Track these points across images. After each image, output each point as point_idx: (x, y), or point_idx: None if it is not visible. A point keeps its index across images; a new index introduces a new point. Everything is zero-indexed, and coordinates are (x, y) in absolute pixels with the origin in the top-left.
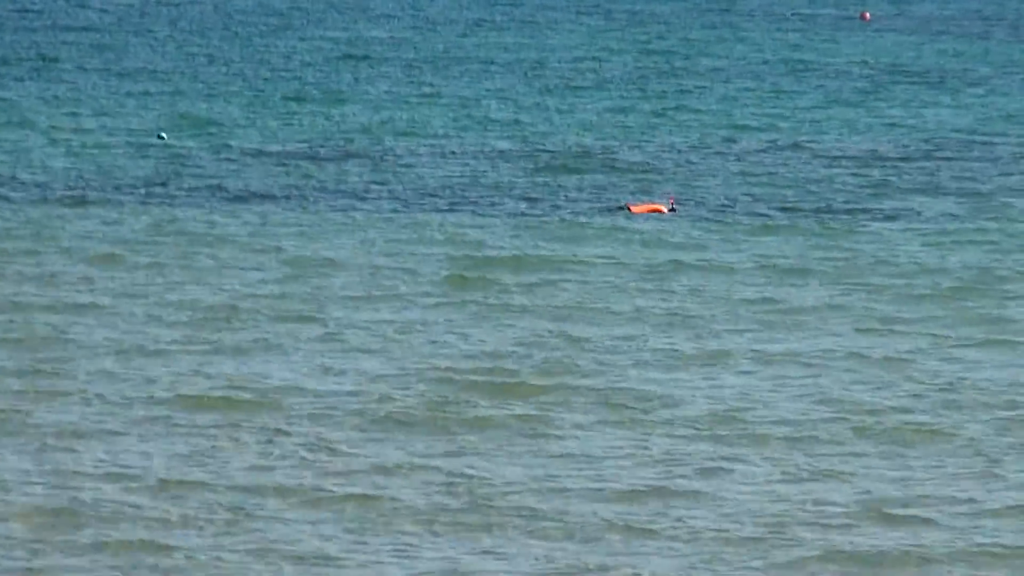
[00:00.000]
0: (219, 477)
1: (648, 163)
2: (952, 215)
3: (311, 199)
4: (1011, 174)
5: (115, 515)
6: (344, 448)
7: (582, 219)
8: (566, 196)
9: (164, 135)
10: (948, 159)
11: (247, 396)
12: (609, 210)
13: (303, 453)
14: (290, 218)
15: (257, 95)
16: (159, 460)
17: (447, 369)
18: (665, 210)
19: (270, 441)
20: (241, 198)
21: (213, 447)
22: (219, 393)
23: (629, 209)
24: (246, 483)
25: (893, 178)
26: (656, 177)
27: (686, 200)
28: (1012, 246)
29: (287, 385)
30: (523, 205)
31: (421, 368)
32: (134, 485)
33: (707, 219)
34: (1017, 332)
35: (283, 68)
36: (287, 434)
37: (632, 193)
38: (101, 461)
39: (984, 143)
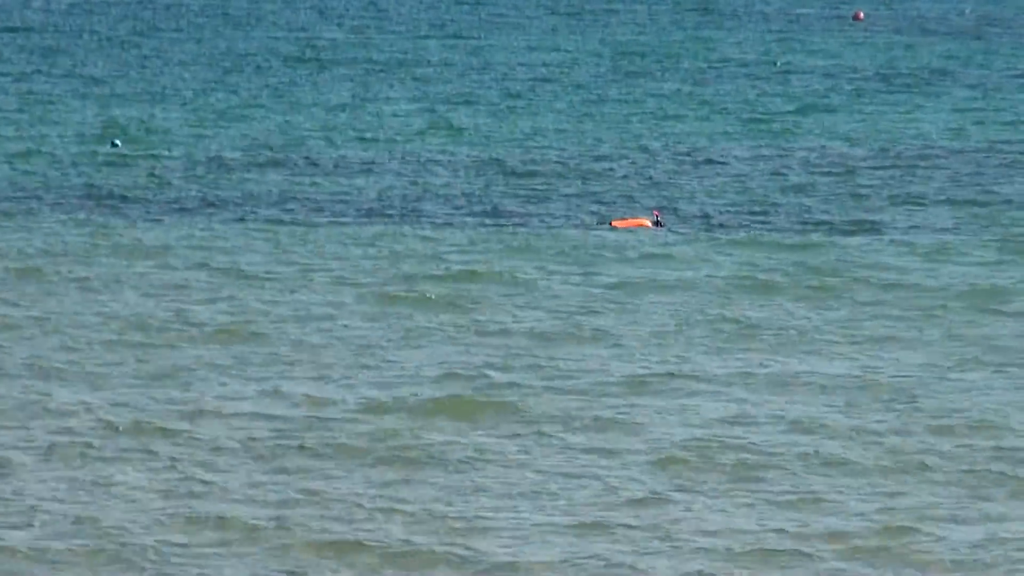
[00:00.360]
0: (125, 510)
1: (623, 171)
2: (942, 227)
3: (254, 209)
4: (1002, 182)
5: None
6: (269, 478)
7: (554, 232)
8: (536, 208)
9: (118, 142)
10: (938, 167)
11: (159, 421)
12: (589, 226)
13: (211, 480)
14: (230, 230)
15: (204, 99)
16: (67, 491)
17: (388, 394)
18: (649, 224)
19: (173, 467)
20: (179, 209)
21: (121, 477)
22: (132, 418)
23: (612, 225)
24: (140, 513)
25: (881, 187)
26: (632, 186)
27: (667, 212)
28: (1004, 259)
29: (209, 409)
30: (486, 218)
31: (361, 394)
32: (35, 522)
33: (686, 232)
34: (1007, 354)
35: (234, 70)
36: (199, 464)
37: (606, 203)
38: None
39: (976, 149)
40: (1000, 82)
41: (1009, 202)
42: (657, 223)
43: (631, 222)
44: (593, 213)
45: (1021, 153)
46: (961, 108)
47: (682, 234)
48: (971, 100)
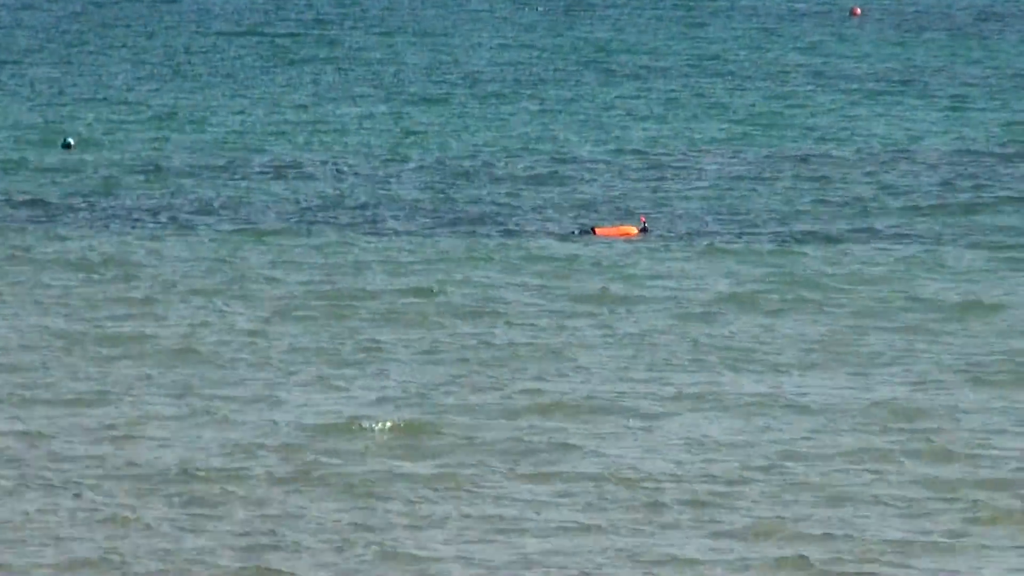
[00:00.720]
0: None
1: (601, 176)
2: (929, 236)
3: (200, 216)
4: (994, 187)
5: None
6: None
7: (526, 242)
8: (506, 215)
9: (71, 141)
10: (928, 171)
11: (79, 445)
12: (564, 235)
13: (132, 511)
14: (172, 238)
15: (154, 99)
16: None
17: (331, 417)
18: (636, 232)
19: (93, 495)
20: (116, 216)
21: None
22: (49, 442)
23: (594, 232)
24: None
25: (867, 192)
26: (611, 192)
27: (650, 218)
28: (993, 271)
29: (136, 433)
30: (450, 227)
31: (305, 415)
32: None
33: (669, 242)
34: (992, 369)
35: (185, 69)
36: (121, 492)
37: (584, 209)
38: None
39: (967, 151)
40: (996, 82)
41: (999, 209)
42: (643, 230)
43: (616, 230)
44: (575, 220)
45: (1013, 156)
46: (954, 108)
47: (664, 243)
48: (965, 100)
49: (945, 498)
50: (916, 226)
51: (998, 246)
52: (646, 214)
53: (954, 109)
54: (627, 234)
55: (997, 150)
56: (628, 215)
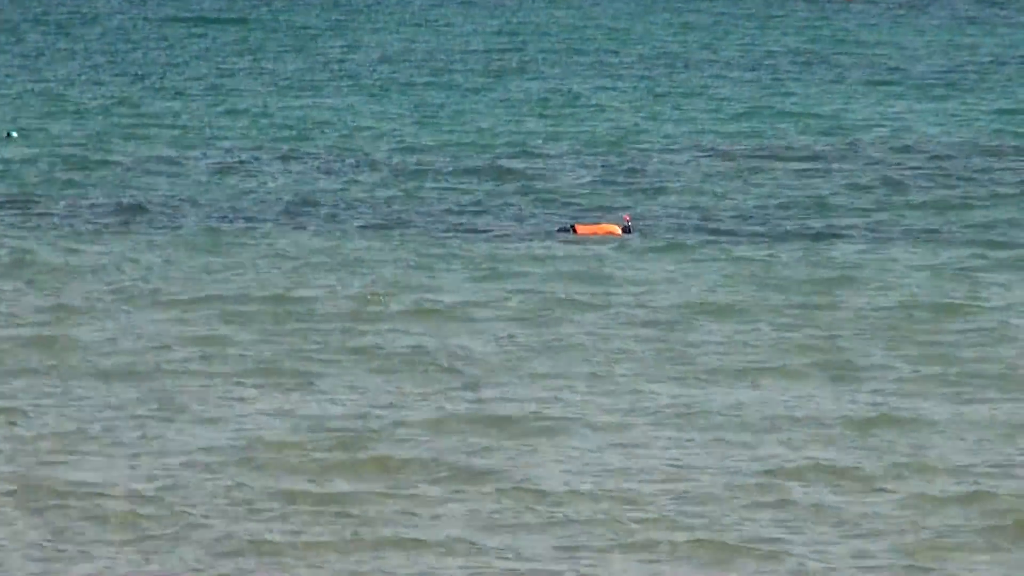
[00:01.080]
0: None
1: (578, 172)
2: (915, 237)
3: (141, 215)
4: (986, 184)
5: None
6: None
7: (493, 242)
8: (471, 214)
9: (14, 133)
10: (915, 167)
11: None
12: (534, 235)
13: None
14: (112, 239)
15: (92, 89)
16: None
17: (260, 435)
18: (619, 231)
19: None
20: (38, 214)
21: None
22: None
23: (575, 231)
24: None
25: (852, 188)
26: (588, 188)
27: (624, 215)
28: (982, 274)
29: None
30: (408, 227)
31: (234, 435)
32: None
33: (644, 243)
34: (982, 381)
35: (127, 56)
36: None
37: (543, 200)
38: None
39: (958, 145)
40: (994, 72)
41: (989, 207)
42: (627, 229)
43: (598, 228)
44: (548, 219)
45: (1008, 148)
46: (946, 98)
47: (642, 244)
48: (958, 91)
49: (925, 512)
50: (899, 226)
51: (990, 245)
52: (630, 213)
53: (946, 99)
54: (610, 233)
55: (991, 143)
56: (608, 212)
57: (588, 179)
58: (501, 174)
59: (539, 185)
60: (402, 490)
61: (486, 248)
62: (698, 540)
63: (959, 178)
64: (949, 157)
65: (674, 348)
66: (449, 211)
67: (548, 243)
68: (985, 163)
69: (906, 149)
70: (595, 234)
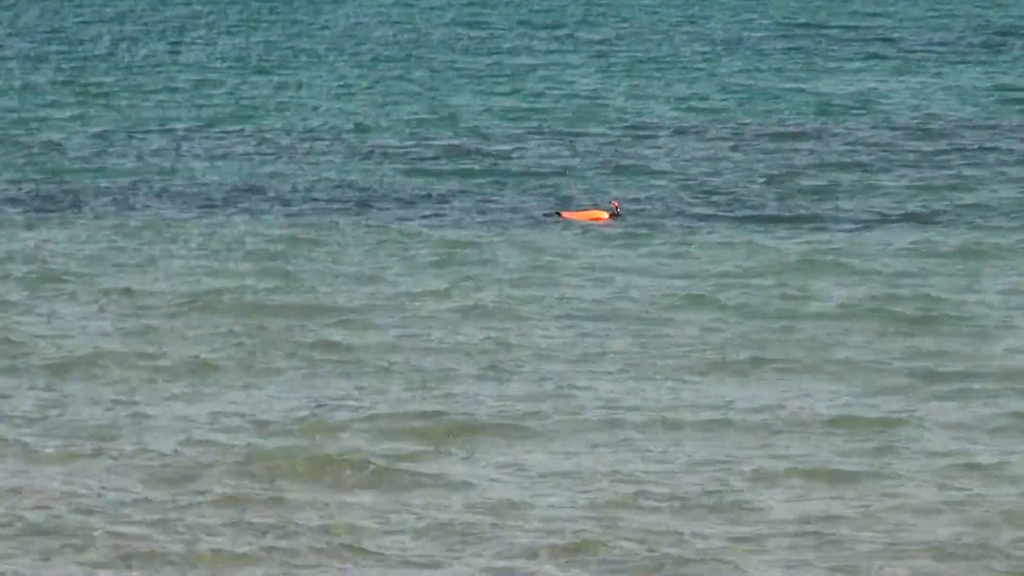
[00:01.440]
0: None
1: (558, 155)
2: (899, 223)
3: (95, 204)
4: (974, 164)
5: None
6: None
7: (466, 229)
8: (442, 202)
9: None
10: (902, 148)
11: None
12: (514, 222)
13: None
14: (57, 228)
15: (43, 76)
16: None
17: (211, 438)
18: (607, 217)
19: None
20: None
21: None
22: None
23: (560, 216)
24: None
25: (836, 173)
26: (571, 173)
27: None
28: (965, 264)
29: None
30: (378, 214)
31: (179, 437)
32: None
33: (627, 230)
34: (968, 376)
35: (86, 43)
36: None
37: (520, 186)
38: None
39: (945, 125)
40: (991, 48)
41: (975, 189)
42: (615, 215)
43: (585, 214)
44: (542, 202)
45: (998, 128)
46: (936, 74)
47: (625, 231)
48: (955, 64)
49: (907, 513)
50: (883, 213)
51: (987, 230)
52: (617, 198)
53: (940, 75)
54: (597, 219)
55: (982, 121)
56: (596, 194)
57: (561, 161)
58: (470, 155)
59: (512, 167)
60: (343, 496)
61: (451, 235)
62: (661, 552)
63: (956, 155)
64: (946, 135)
65: (650, 342)
66: (414, 196)
67: (522, 230)
68: (984, 140)
69: (899, 127)
70: (582, 219)
